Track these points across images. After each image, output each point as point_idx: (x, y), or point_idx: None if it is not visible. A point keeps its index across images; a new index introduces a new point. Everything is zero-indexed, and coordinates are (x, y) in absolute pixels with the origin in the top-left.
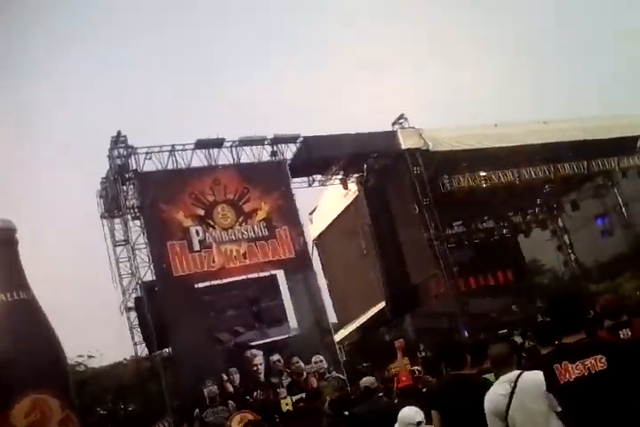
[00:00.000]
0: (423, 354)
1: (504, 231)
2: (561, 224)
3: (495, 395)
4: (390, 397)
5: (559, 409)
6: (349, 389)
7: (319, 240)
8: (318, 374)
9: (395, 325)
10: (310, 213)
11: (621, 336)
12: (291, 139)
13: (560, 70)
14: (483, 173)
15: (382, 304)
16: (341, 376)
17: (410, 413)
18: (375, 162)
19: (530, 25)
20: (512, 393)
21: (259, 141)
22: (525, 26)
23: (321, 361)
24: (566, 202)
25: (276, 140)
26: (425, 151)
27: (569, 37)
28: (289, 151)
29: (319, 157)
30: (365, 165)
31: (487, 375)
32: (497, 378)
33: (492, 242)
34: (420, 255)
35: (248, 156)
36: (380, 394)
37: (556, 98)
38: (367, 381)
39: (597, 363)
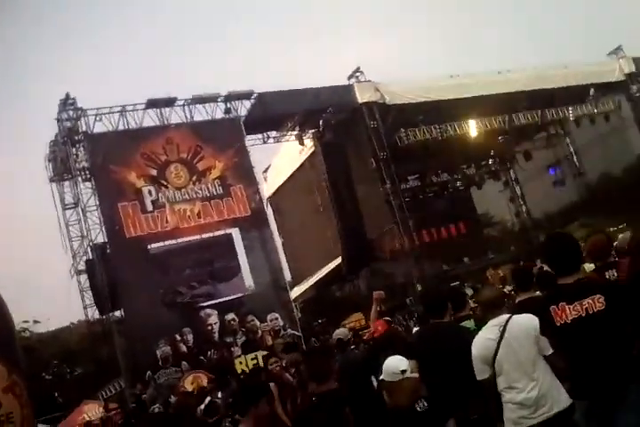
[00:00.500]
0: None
1: (457, 184)
2: (513, 176)
3: (483, 339)
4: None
5: (549, 353)
6: (304, 346)
7: (274, 198)
8: (273, 331)
9: (349, 281)
10: (264, 172)
11: (607, 277)
12: (244, 95)
13: (513, 21)
14: (438, 126)
15: (338, 261)
16: (297, 333)
17: (394, 361)
18: (331, 117)
19: None
20: (501, 338)
21: (212, 99)
22: None
23: (276, 319)
24: (519, 153)
25: (230, 97)
26: (382, 105)
27: None
28: (243, 108)
29: (274, 113)
30: (321, 121)
31: (465, 322)
32: (478, 323)
33: (446, 195)
34: (376, 210)
35: (201, 114)
36: (352, 346)
37: (512, 48)
38: (341, 333)
39: (596, 303)
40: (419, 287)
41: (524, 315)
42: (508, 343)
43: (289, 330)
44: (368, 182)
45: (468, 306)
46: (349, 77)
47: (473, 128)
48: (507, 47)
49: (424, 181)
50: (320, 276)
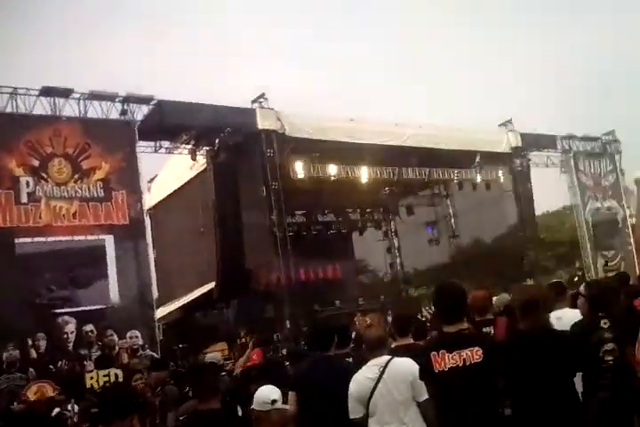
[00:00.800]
0: (243, 341)
1: (341, 227)
2: (393, 227)
3: (362, 377)
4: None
5: (422, 399)
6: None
7: (155, 210)
8: (131, 350)
9: (218, 308)
10: (150, 181)
11: (483, 333)
12: (144, 100)
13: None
14: (333, 166)
15: (210, 286)
16: (155, 355)
17: (265, 391)
18: (229, 138)
19: None
20: (379, 378)
21: (109, 97)
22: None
23: (136, 337)
24: (402, 206)
25: (128, 99)
26: (280, 135)
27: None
28: (140, 113)
29: (171, 123)
30: (218, 140)
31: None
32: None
33: (329, 236)
34: (258, 241)
35: (96, 111)
36: (223, 373)
37: (414, 102)
38: (213, 357)
39: (474, 355)
40: (288, 324)
41: (404, 358)
42: (385, 385)
43: (147, 351)
44: (255, 211)
45: (350, 344)
46: (253, 102)
47: (364, 174)
48: (410, 100)
49: (310, 218)
50: (189, 299)
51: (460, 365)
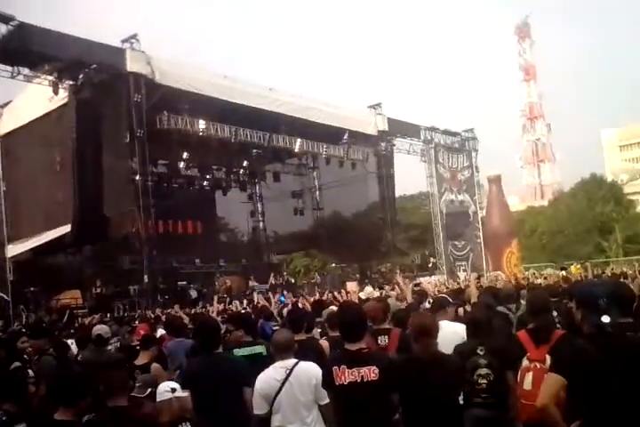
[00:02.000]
0: (98, 291)
1: (205, 183)
2: (259, 191)
3: (269, 378)
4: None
5: (323, 402)
6: (11, 311)
7: (6, 139)
8: None
9: (72, 253)
10: (2, 106)
11: (379, 342)
12: (3, 18)
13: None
14: (202, 122)
15: (64, 229)
16: (5, 297)
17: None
18: (94, 75)
19: None
20: (286, 380)
21: None
22: None
23: None
24: (269, 171)
25: None
26: (150, 80)
27: None
28: None
29: (34, 50)
30: (82, 75)
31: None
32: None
33: (191, 191)
34: (118, 188)
35: None
36: (109, 347)
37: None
38: (101, 329)
39: (371, 373)
40: (146, 278)
41: (310, 363)
42: (291, 386)
43: None
44: (117, 156)
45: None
46: (124, 41)
47: (233, 134)
48: (285, 67)
49: (173, 170)
50: (41, 241)
51: (359, 380)
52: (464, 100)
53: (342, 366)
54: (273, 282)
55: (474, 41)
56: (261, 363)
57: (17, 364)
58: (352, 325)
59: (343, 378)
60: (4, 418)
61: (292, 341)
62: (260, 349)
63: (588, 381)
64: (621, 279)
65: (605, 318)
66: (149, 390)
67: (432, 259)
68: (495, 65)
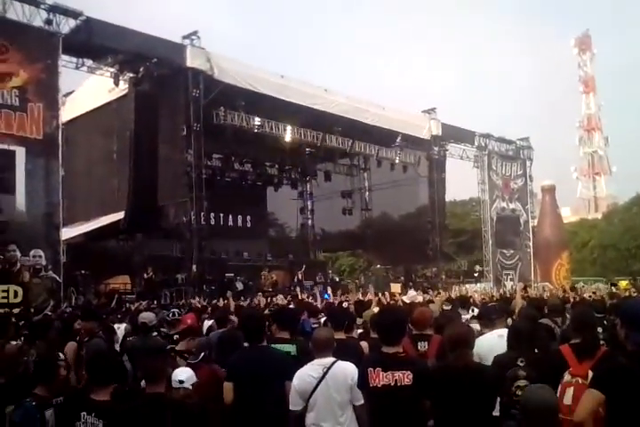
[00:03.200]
0: (147, 277)
1: (257, 178)
2: (309, 189)
3: (306, 375)
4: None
5: (358, 403)
6: (62, 293)
7: (67, 127)
8: (33, 269)
9: (124, 240)
10: (66, 95)
11: (419, 348)
12: (72, 13)
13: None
14: (257, 118)
15: (117, 215)
16: (57, 278)
17: (177, 372)
18: (155, 68)
19: None
20: (322, 378)
21: (34, 1)
22: None
23: (40, 256)
24: (320, 170)
25: (55, 9)
26: (208, 76)
27: None
28: (66, 26)
29: (98, 43)
30: (143, 68)
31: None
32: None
33: (243, 185)
34: (173, 178)
35: (17, 13)
36: (155, 333)
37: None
38: (147, 317)
39: (404, 378)
40: (194, 268)
41: (347, 363)
42: (327, 385)
43: (50, 272)
44: (173, 148)
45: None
46: (184, 37)
47: (288, 133)
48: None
49: (227, 164)
50: (96, 225)
51: (392, 384)
52: (521, 108)
53: (377, 369)
54: (318, 279)
55: (533, 51)
56: None
57: (16, 342)
58: (390, 328)
59: (377, 380)
60: (33, 403)
61: (332, 339)
62: (289, 348)
63: (628, 398)
64: None
65: None
66: (202, 354)
67: (479, 267)
68: (554, 76)
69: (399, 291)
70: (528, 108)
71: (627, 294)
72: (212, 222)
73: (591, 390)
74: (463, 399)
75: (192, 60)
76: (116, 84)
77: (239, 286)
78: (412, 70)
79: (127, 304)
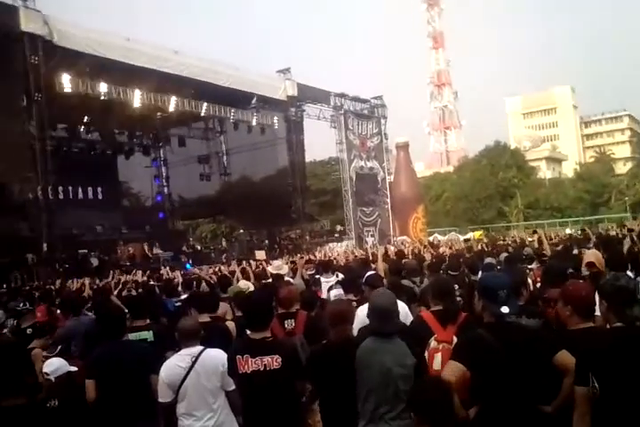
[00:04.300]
0: None
1: (106, 147)
2: (163, 156)
3: (174, 365)
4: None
5: (230, 389)
6: None
7: None
8: None
9: None
10: None
11: (286, 326)
12: None
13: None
14: (104, 85)
15: None
16: None
17: (46, 363)
18: None
19: None
20: (191, 367)
21: None
22: None
23: None
24: (174, 136)
25: None
26: (48, 42)
27: None
28: None
29: None
30: None
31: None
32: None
33: (92, 155)
34: (15, 153)
35: None
36: (5, 331)
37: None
38: None
39: (273, 362)
40: (45, 247)
41: (216, 350)
42: (197, 374)
43: None
44: (12, 119)
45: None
46: None
47: (137, 98)
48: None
49: (73, 134)
50: None
51: (262, 369)
52: (373, 66)
53: (246, 355)
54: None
55: (383, 7)
56: None
57: None
58: (257, 314)
59: (247, 367)
60: None
61: (198, 328)
62: (145, 335)
63: (486, 369)
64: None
65: (505, 309)
66: (59, 347)
67: (340, 226)
68: (404, 32)
69: (264, 257)
70: (381, 66)
71: (479, 246)
72: (61, 197)
73: (452, 362)
74: (347, 375)
75: (27, 24)
76: None
77: (94, 262)
78: (264, 29)
79: None
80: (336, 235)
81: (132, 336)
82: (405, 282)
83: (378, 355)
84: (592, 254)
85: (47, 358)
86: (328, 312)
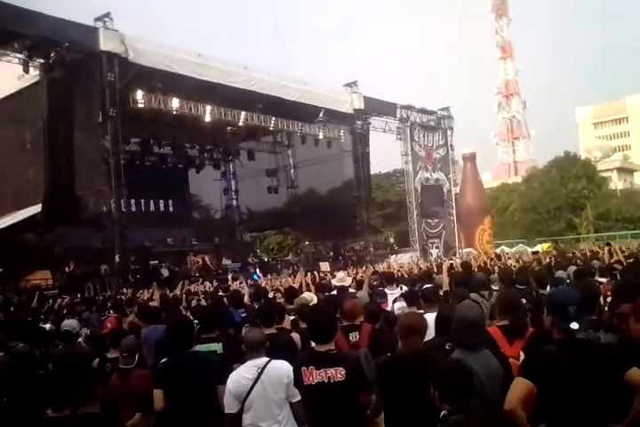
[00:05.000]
0: (70, 268)
1: (177, 161)
2: (232, 169)
3: (240, 377)
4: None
5: (295, 400)
6: None
7: None
8: None
9: (42, 233)
10: None
11: (350, 339)
12: None
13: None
14: (176, 100)
15: (35, 209)
16: None
17: None
18: (66, 53)
19: None
20: (257, 379)
21: None
22: None
23: None
24: (243, 149)
25: None
26: (123, 59)
27: None
28: None
29: (3, 27)
30: (54, 54)
31: (211, 345)
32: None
33: (164, 169)
34: (90, 167)
35: None
36: (80, 340)
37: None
38: (69, 324)
39: (337, 374)
40: (117, 258)
41: (281, 362)
42: (263, 385)
43: None
44: (89, 135)
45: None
46: (96, 19)
47: (207, 113)
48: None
49: (146, 148)
50: (12, 220)
51: (326, 381)
52: (441, 78)
53: (310, 367)
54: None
55: (450, 18)
56: None
57: None
58: (321, 327)
59: (311, 379)
60: None
61: (264, 340)
62: (215, 346)
63: (554, 387)
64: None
65: (574, 325)
66: (137, 356)
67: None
68: (472, 43)
69: (328, 269)
70: (448, 76)
71: (548, 259)
72: (134, 209)
73: (519, 379)
74: (414, 387)
75: (105, 43)
76: (26, 71)
77: (164, 272)
78: (331, 43)
79: (49, 300)
80: (402, 246)
81: (201, 348)
82: (473, 295)
83: (471, 366)
84: None
85: (123, 371)
86: (400, 324)
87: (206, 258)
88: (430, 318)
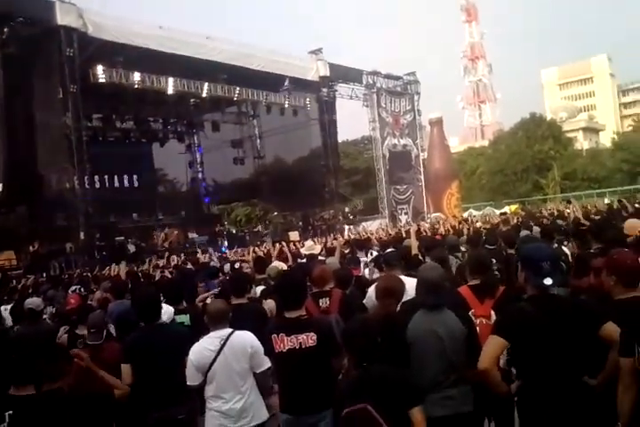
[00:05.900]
0: (35, 248)
1: (140, 135)
2: (197, 141)
3: (203, 348)
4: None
5: (259, 370)
6: None
7: None
8: None
9: (5, 213)
10: None
11: (320, 305)
12: None
13: None
14: (137, 74)
15: None
16: None
17: None
18: (22, 28)
19: None
20: (220, 350)
21: None
22: None
23: None
24: (208, 121)
25: None
26: (83, 34)
27: None
28: None
29: None
30: (7, 29)
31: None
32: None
33: (127, 144)
34: (53, 144)
35: None
36: (45, 317)
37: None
38: (32, 302)
39: (309, 340)
40: (82, 235)
41: (245, 332)
42: (226, 356)
43: None
44: (50, 112)
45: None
46: None
47: (170, 85)
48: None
49: (108, 123)
50: None
51: (297, 347)
52: (406, 43)
53: (281, 334)
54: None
55: None
56: None
57: None
58: (291, 294)
59: (282, 346)
60: None
61: (227, 311)
62: (182, 318)
63: (529, 343)
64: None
65: (548, 281)
66: (104, 333)
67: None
68: (437, 6)
69: (297, 238)
70: (413, 41)
71: (515, 220)
72: (98, 186)
73: (493, 337)
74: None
75: (63, 18)
76: None
77: (131, 248)
78: (294, 10)
79: (13, 281)
80: (371, 214)
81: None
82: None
83: (430, 327)
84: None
85: (93, 346)
86: (377, 286)
87: (174, 232)
88: (408, 281)
